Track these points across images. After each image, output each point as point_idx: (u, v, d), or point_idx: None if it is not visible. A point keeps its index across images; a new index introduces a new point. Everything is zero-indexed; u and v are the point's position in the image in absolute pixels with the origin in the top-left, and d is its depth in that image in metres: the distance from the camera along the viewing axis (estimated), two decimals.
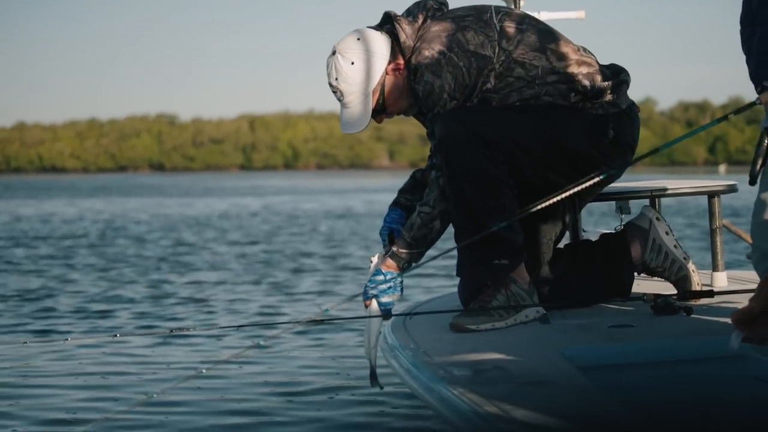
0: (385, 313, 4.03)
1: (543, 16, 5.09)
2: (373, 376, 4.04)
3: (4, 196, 48.12)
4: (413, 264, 4.10)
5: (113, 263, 14.35)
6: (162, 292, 10.99)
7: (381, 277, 4.06)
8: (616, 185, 4.52)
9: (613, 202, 4.87)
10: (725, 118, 3.19)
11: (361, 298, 4.07)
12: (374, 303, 4.02)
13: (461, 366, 3.35)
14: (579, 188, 3.21)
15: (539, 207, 3.36)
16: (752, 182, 3.27)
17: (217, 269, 13.45)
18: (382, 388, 4.08)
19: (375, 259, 4.13)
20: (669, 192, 4.78)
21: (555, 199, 3.25)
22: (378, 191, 43.13)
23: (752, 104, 3.21)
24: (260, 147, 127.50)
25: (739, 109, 3.23)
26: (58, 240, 19.77)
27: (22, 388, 6.24)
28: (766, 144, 3.21)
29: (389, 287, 4.04)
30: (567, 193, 3.20)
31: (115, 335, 3.83)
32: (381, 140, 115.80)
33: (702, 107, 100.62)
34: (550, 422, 2.65)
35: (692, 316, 3.91)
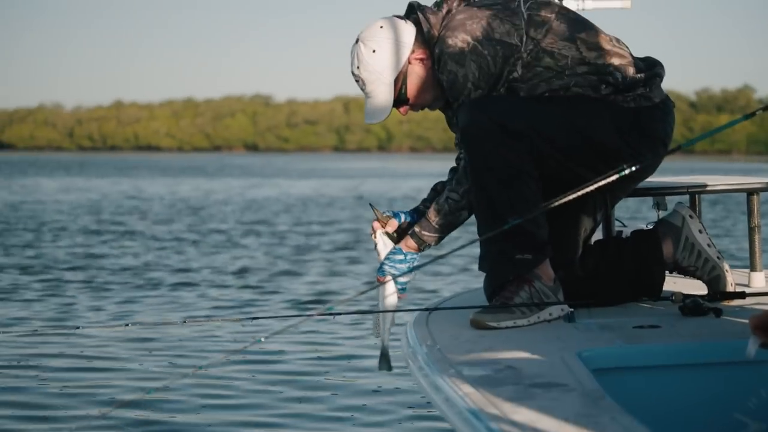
0: (402, 292, 3.99)
1: (588, 4, 4.98)
2: (384, 358, 3.95)
3: (103, 174, 49.01)
4: (431, 246, 4.08)
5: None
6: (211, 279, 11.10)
7: (401, 257, 4.02)
8: (652, 180, 4.39)
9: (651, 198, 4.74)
10: (753, 114, 3.05)
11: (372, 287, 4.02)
12: (390, 282, 3.96)
13: (473, 365, 3.26)
14: (598, 185, 3.08)
15: (560, 202, 3.24)
16: None
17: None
18: (390, 370, 3.96)
19: (379, 237, 4.07)
20: (706, 189, 4.64)
21: (573, 196, 3.12)
22: None
23: None
24: (354, 129, 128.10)
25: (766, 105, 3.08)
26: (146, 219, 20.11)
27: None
28: None
29: (408, 267, 4.00)
30: (586, 190, 3.07)
31: (127, 324, 3.79)
32: None
33: None
34: (549, 426, 2.57)
35: (722, 317, 3.77)
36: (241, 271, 11.99)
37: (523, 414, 2.64)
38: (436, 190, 4.25)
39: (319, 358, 6.78)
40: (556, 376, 3.04)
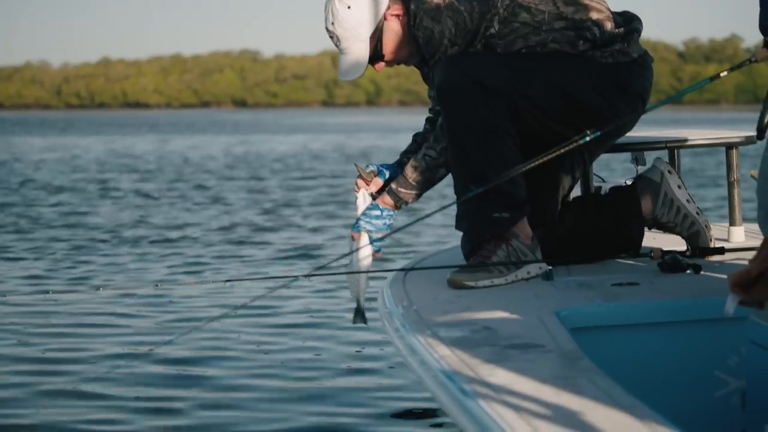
0: (376, 250, 3.96)
1: None
2: (359, 313, 3.94)
3: (93, 132, 48.87)
4: (408, 204, 4.06)
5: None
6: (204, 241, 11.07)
7: (377, 212, 4.00)
8: (631, 135, 4.35)
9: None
10: (717, 76, 3.02)
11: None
12: (365, 237, 3.94)
13: (449, 326, 3.22)
14: (565, 149, 3.05)
15: (535, 164, 3.20)
16: (760, 136, 3.10)
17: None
18: (365, 323, 3.95)
19: (361, 194, 4.04)
20: (685, 143, 4.59)
21: (543, 160, 3.09)
22: None
23: (746, 62, 3.03)
24: (342, 83, 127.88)
25: (733, 67, 3.05)
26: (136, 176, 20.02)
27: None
28: None
29: (384, 224, 3.96)
30: (553, 155, 3.04)
31: (98, 288, 3.75)
32: None
33: None
34: (525, 388, 2.53)
35: (702, 274, 3.74)
36: (224, 229, 11.94)
37: (499, 376, 2.60)
38: (417, 141, 4.20)
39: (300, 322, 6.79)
40: (534, 336, 3.00)
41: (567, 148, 3.00)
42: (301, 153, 30.08)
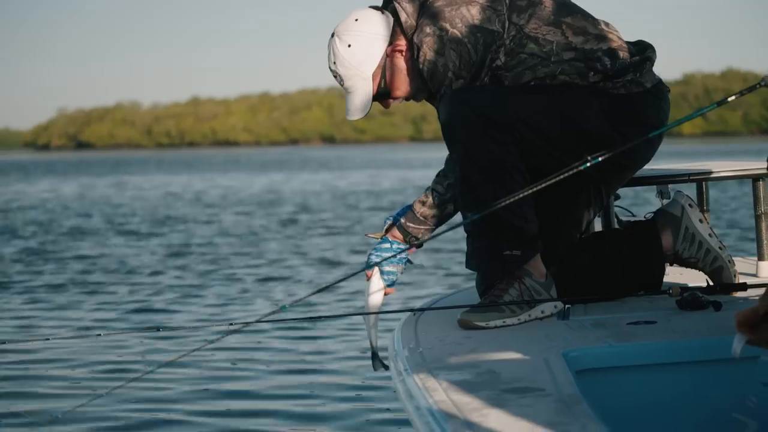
0: (388, 284, 3.85)
1: None
2: (375, 357, 3.82)
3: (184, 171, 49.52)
4: (421, 239, 3.93)
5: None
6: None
7: (386, 245, 3.90)
8: (655, 168, 4.21)
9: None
10: (725, 101, 2.88)
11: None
12: (376, 272, 3.83)
13: (452, 369, 3.11)
14: (564, 176, 2.94)
15: (526, 193, 3.08)
16: None
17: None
18: (387, 368, 3.75)
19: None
20: (710, 176, 4.44)
21: (541, 186, 2.98)
22: None
23: (754, 87, 2.90)
24: (430, 118, 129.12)
25: (743, 91, 2.92)
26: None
27: None
28: None
29: (394, 256, 3.85)
30: (552, 181, 2.93)
31: (99, 334, 3.70)
32: None
33: None
34: None
35: (722, 311, 3.58)
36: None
37: (491, 421, 2.50)
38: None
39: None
40: (536, 379, 2.88)
41: (564, 176, 2.89)
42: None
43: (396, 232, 3.92)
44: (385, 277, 3.85)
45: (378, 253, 3.89)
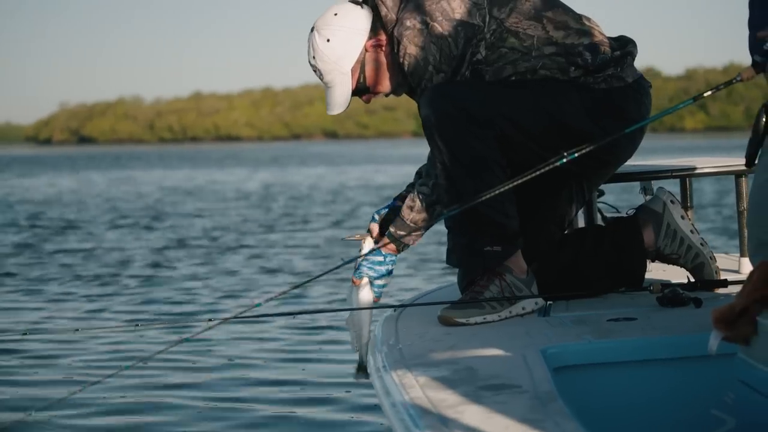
0: (377, 296, 3.82)
1: None
2: (362, 368, 3.76)
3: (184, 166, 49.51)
4: (413, 245, 3.92)
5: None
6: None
7: (380, 258, 3.84)
8: (638, 164, 4.19)
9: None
10: (701, 96, 2.87)
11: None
12: (367, 285, 3.79)
13: (429, 366, 3.09)
14: (541, 171, 2.92)
15: (507, 187, 3.07)
16: (749, 164, 2.96)
17: None
18: (367, 377, 3.71)
19: (367, 241, 3.90)
20: (694, 172, 4.43)
21: (519, 182, 2.97)
22: None
23: (730, 82, 2.89)
24: None
25: (719, 86, 2.91)
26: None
27: None
28: (764, 121, 2.90)
29: (386, 269, 3.83)
30: (530, 176, 2.92)
31: (77, 330, 3.69)
32: None
33: None
34: (489, 431, 2.42)
35: (703, 308, 3.57)
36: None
37: (465, 418, 2.48)
38: (420, 174, 4.07)
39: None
40: (513, 376, 2.87)
41: (541, 171, 2.87)
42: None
43: (388, 243, 3.85)
44: (376, 290, 3.82)
45: (370, 265, 3.83)
